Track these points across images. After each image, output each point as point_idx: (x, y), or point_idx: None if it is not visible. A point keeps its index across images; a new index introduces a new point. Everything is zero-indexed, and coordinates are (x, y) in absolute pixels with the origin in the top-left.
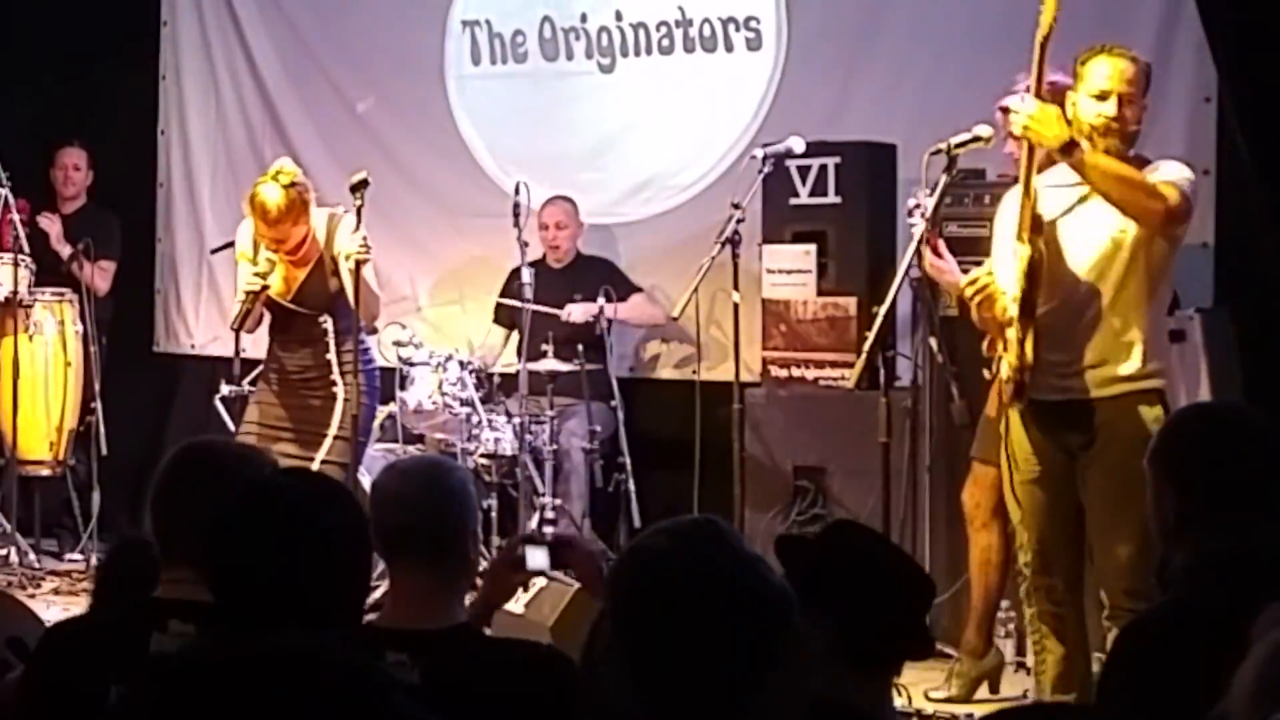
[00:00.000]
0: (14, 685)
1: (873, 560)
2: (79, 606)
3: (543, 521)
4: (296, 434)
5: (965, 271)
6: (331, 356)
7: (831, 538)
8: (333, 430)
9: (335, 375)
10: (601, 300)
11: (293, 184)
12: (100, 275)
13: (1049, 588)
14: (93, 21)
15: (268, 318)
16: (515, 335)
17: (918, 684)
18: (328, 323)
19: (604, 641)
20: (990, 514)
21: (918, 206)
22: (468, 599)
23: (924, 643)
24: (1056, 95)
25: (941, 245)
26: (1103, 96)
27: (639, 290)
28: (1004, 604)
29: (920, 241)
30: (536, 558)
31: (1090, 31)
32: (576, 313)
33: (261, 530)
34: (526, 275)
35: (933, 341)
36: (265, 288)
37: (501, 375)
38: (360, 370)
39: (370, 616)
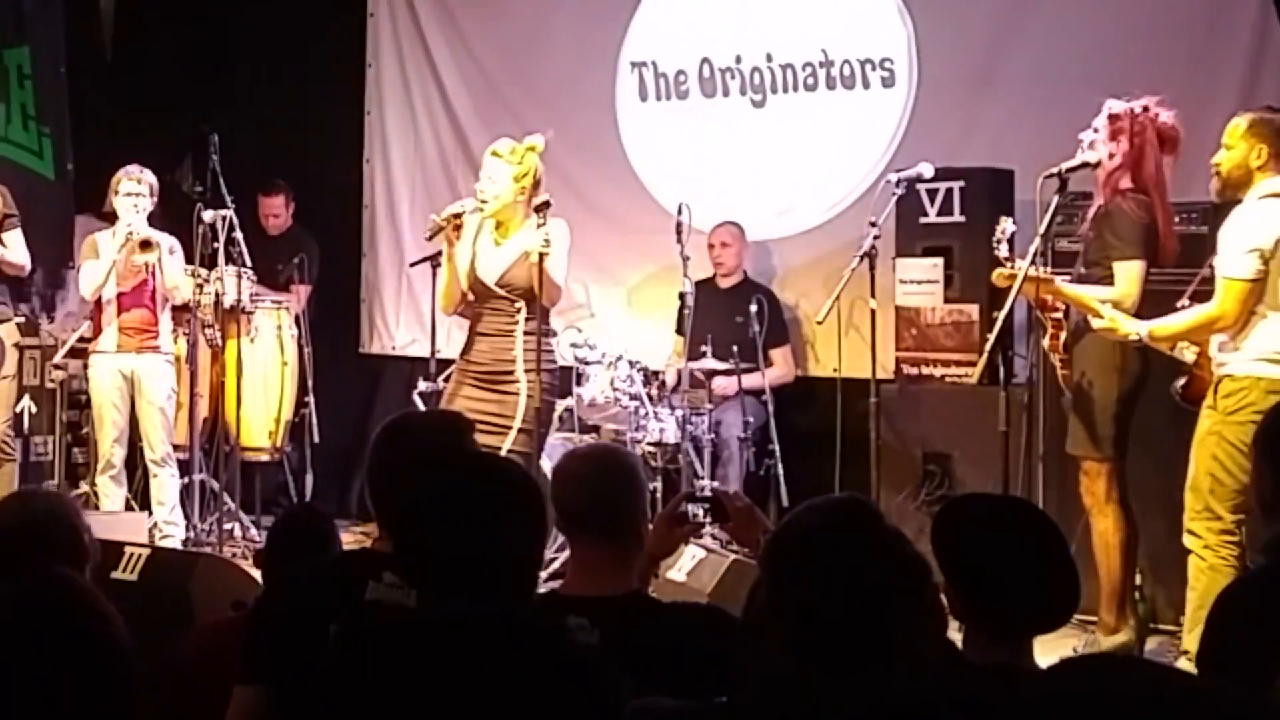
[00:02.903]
0: (226, 628)
1: (986, 534)
2: None
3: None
4: (485, 425)
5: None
6: (518, 353)
7: (948, 515)
8: (517, 423)
9: (519, 373)
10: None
11: (531, 149)
12: (296, 299)
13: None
14: (309, 63)
15: (459, 319)
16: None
17: (1057, 653)
18: (520, 313)
19: (760, 606)
20: (1104, 501)
21: (1004, 233)
22: None
23: (1053, 611)
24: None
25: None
26: None
27: (784, 342)
28: None
29: (1034, 256)
30: (697, 512)
31: (1187, 50)
32: (720, 386)
33: (447, 512)
34: (688, 285)
35: (1045, 343)
36: (458, 217)
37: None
38: (542, 369)
39: (553, 585)
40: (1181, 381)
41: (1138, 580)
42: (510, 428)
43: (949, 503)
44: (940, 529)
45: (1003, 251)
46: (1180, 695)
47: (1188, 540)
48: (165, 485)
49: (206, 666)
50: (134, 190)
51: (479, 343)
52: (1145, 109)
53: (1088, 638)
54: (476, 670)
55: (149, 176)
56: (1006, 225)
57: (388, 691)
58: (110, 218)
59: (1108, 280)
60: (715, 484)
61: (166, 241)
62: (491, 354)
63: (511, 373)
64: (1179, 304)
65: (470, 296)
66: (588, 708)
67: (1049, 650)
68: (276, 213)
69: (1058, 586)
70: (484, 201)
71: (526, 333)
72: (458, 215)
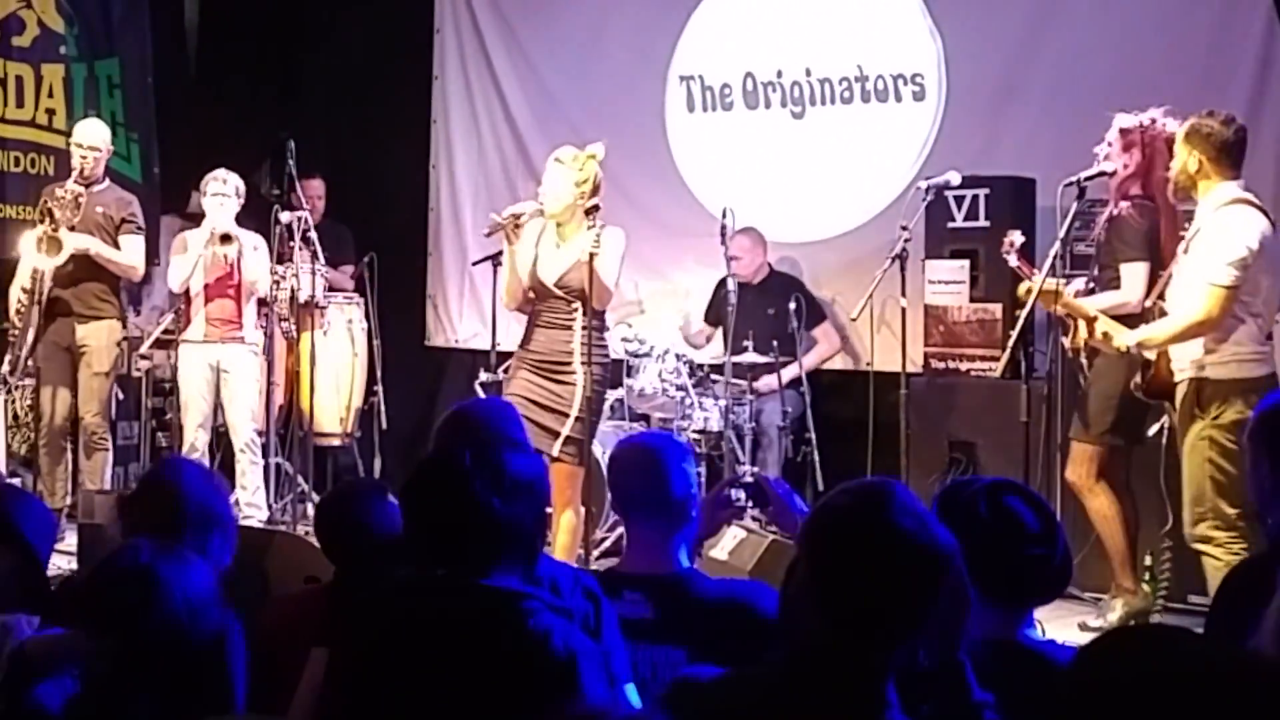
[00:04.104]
0: (306, 597)
1: (985, 513)
2: None
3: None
4: (543, 412)
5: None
6: (576, 345)
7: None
8: (574, 410)
9: (577, 364)
10: (789, 369)
11: (591, 156)
12: (344, 277)
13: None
14: (380, 75)
15: (519, 314)
16: (720, 330)
17: (1071, 627)
18: (578, 310)
19: (798, 582)
20: (1092, 481)
21: (1012, 245)
22: None
23: (1046, 585)
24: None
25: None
26: None
27: (823, 318)
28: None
29: (1054, 260)
30: (739, 496)
31: (1197, 64)
32: (762, 385)
33: (432, 496)
34: (731, 284)
35: (1064, 339)
36: (518, 218)
37: (710, 366)
38: (595, 361)
39: (610, 562)
40: (1140, 378)
41: (1147, 561)
42: (568, 414)
43: (946, 488)
44: (938, 512)
45: (1012, 261)
46: (1222, 663)
47: (1196, 544)
48: (249, 470)
49: (283, 636)
50: (219, 191)
51: (539, 335)
52: (1153, 121)
53: (1110, 602)
54: (437, 633)
55: (234, 179)
56: (1014, 236)
57: (374, 652)
58: (194, 218)
59: (1116, 282)
60: (756, 469)
61: (251, 240)
62: (551, 345)
63: (569, 363)
64: (1147, 303)
65: (531, 294)
66: (537, 673)
67: (1060, 626)
68: (319, 194)
69: (1048, 559)
70: (544, 205)
71: (583, 327)
72: (517, 216)
